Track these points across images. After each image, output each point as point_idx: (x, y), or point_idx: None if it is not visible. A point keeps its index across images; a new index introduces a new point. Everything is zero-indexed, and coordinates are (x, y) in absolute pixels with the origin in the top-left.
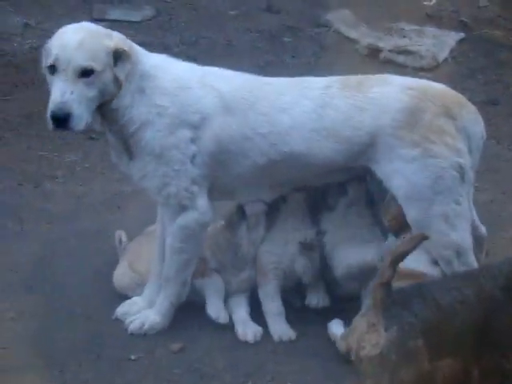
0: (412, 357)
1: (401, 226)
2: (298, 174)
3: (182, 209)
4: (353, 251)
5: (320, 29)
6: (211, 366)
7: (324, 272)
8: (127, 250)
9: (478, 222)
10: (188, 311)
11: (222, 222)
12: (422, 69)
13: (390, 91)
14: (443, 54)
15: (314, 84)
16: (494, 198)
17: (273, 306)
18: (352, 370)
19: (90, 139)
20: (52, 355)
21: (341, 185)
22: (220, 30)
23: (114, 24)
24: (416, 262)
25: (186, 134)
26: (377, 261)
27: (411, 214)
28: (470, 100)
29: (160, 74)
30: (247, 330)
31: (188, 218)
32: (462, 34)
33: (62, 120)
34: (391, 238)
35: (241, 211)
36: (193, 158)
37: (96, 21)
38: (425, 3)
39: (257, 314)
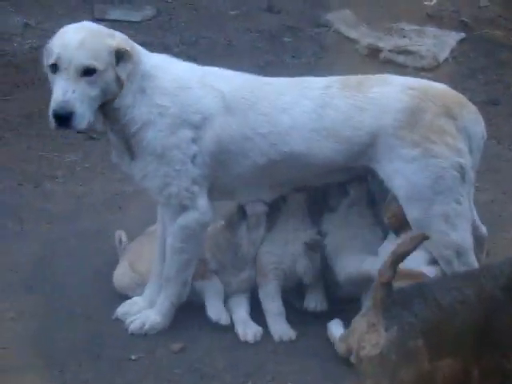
0: (412, 357)
1: (401, 224)
2: (298, 174)
3: (183, 209)
4: (353, 259)
5: (320, 29)
6: (212, 366)
7: (324, 273)
8: (127, 250)
9: (478, 222)
10: (188, 311)
11: (222, 222)
12: (422, 69)
13: (390, 91)
14: (444, 54)
15: (314, 84)
16: (494, 198)
17: (273, 306)
18: (352, 370)
19: (90, 139)
20: (52, 355)
21: (341, 185)
22: (220, 30)
23: (114, 24)
24: (413, 262)
25: (188, 133)
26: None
27: (412, 214)
28: (470, 100)
29: (160, 74)
30: (247, 330)
31: (189, 218)
32: (463, 34)
33: (64, 118)
34: (391, 236)
35: (241, 211)
36: (193, 157)
37: (96, 21)
38: (425, 3)
39: (257, 314)
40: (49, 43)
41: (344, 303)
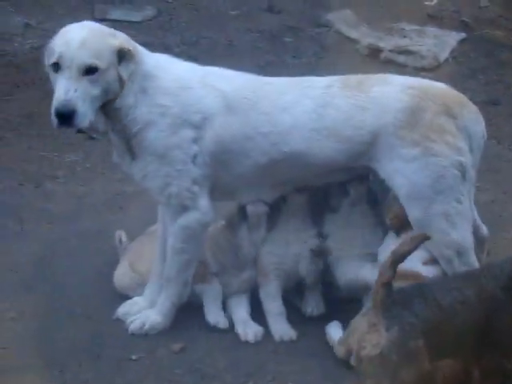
0: (413, 357)
1: (402, 225)
2: (299, 174)
3: (184, 209)
4: (353, 265)
5: (321, 29)
6: (212, 366)
7: (325, 275)
8: (128, 250)
9: (479, 222)
10: (189, 311)
11: (223, 222)
12: (422, 69)
13: (390, 90)
14: (444, 54)
15: (315, 84)
16: (495, 198)
17: (274, 306)
18: (352, 370)
19: (90, 139)
20: (52, 355)
21: (342, 186)
22: (221, 30)
23: (114, 24)
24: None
25: (189, 133)
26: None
27: (412, 213)
28: (470, 100)
29: (161, 74)
30: (248, 330)
31: (189, 218)
32: (463, 34)
33: (66, 117)
34: (392, 236)
35: (242, 212)
36: (194, 157)
37: (97, 21)
38: (426, 3)
39: (258, 314)
40: (50, 43)
41: (344, 303)
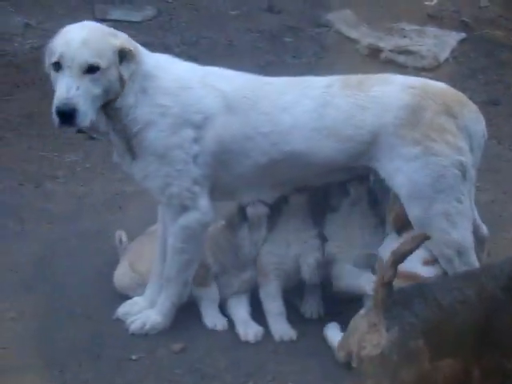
0: (413, 357)
1: (403, 224)
2: (299, 174)
3: (184, 209)
4: (351, 270)
5: (321, 29)
6: (212, 366)
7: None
8: (128, 250)
9: (479, 222)
10: (189, 311)
11: (223, 222)
12: (422, 69)
13: (391, 90)
14: (444, 54)
15: (315, 83)
16: (495, 198)
17: (274, 306)
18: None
19: (90, 139)
20: (52, 355)
21: (342, 185)
22: (221, 30)
23: (115, 24)
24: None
25: (189, 133)
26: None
27: (413, 213)
28: (470, 100)
29: (161, 74)
30: (248, 330)
31: (190, 218)
32: (463, 34)
33: (67, 116)
34: (392, 235)
35: (242, 212)
36: (195, 157)
37: (97, 21)
38: (426, 3)
39: (258, 314)
40: (50, 42)
41: (344, 304)
